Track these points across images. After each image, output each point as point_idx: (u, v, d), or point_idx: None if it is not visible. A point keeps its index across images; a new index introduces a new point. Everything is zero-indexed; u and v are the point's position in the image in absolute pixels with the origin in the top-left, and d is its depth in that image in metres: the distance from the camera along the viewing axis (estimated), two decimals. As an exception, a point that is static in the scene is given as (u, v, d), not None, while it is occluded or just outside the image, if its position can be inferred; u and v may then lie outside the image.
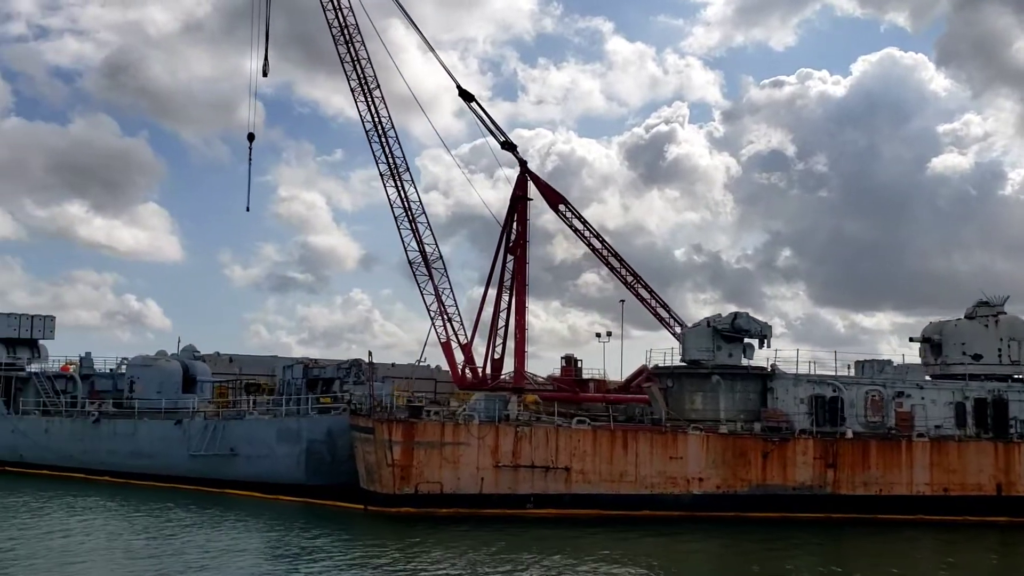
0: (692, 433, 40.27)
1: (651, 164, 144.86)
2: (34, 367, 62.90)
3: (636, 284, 73.17)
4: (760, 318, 46.26)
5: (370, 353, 46.01)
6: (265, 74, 76.81)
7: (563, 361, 78.53)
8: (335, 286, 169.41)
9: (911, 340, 46.81)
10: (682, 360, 46.03)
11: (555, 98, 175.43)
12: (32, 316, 64.15)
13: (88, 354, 60.23)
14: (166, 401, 53.52)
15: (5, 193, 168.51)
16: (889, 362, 46.54)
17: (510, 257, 72.04)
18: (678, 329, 73.07)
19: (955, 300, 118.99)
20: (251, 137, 75.92)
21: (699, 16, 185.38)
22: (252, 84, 73.23)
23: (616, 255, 73.23)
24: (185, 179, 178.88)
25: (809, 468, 40.37)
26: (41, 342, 65.30)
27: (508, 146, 75.60)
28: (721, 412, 42.30)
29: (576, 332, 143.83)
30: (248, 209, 76.22)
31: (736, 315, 44.43)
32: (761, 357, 45.69)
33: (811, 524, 39.56)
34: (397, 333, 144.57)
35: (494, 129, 75.52)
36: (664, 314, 73.05)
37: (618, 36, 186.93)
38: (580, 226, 73.39)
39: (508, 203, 75.17)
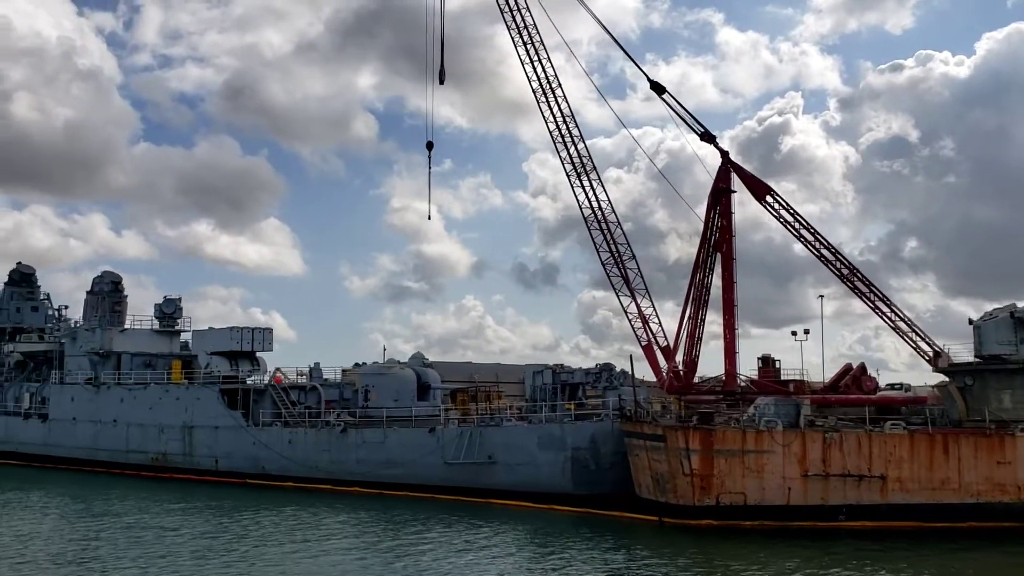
0: (1021, 435, 36.15)
1: (765, 157, 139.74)
2: (256, 378, 63.16)
3: (852, 277, 68.61)
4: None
5: (631, 357, 43.66)
6: (442, 81, 75.76)
7: (759, 362, 74.68)
8: (448, 293, 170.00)
9: None
10: (977, 355, 41.84)
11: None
12: (252, 329, 64.49)
13: (317, 364, 59.91)
14: (403, 409, 52.51)
15: (138, 215, 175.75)
16: None
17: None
18: (902, 324, 68.19)
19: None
20: (430, 146, 74.71)
21: (809, 4, 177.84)
22: (428, 94, 72.05)
23: (830, 247, 68.83)
24: (304, 194, 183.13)
25: None
26: (259, 354, 65.76)
27: (707, 137, 72.21)
28: (1052, 411, 37.96)
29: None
30: (429, 217, 76.36)
31: (1044, 304, 40.00)
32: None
33: None
34: (510, 338, 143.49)
35: (691, 120, 72.59)
36: (884, 308, 68.24)
37: (728, 27, 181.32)
38: (790, 218, 69.40)
39: (709, 197, 72.09)
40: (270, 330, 64.98)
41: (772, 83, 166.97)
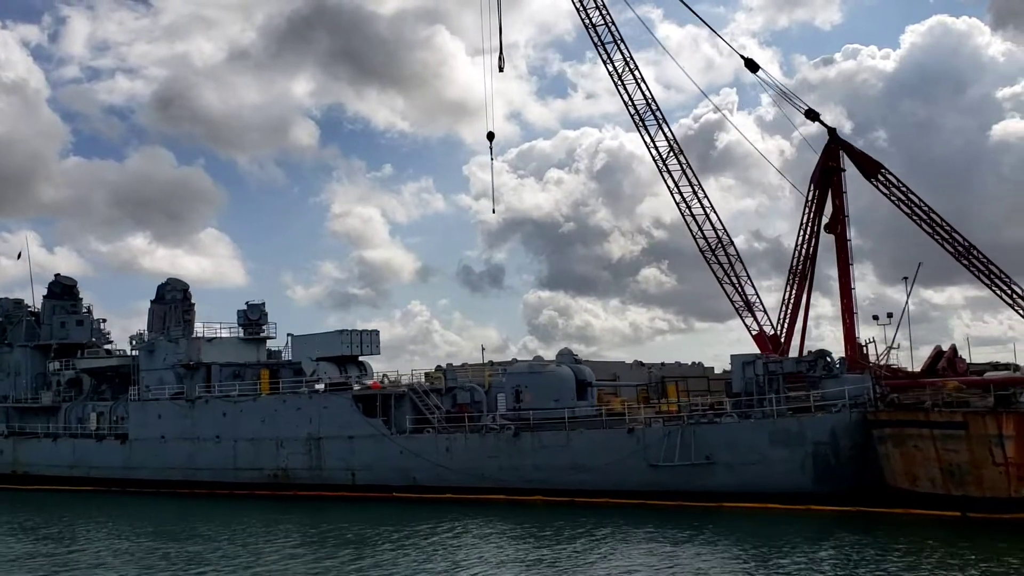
0: None
1: (703, 154, 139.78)
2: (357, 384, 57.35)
3: (968, 255, 65.36)
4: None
5: (872, 342, 39.30)
6: (501, 69, 71.81)
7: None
8: (394, 299, 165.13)
9: None
10: None
11: (608, 91, 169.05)
12: (360, 331, 58.70)
13: (449, 365, 54.32)
14: (558, 409, 47.27)
15: (71, 231, 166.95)
16: None
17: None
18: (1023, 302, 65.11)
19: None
20: (491, 136, 70.92)
21: (740, 2, 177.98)
22: (488, 83, 68.73)
23: (944, 224, 65.38)
24: (243, 204, 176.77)
25: None
26: (362, 358, 59.93)
27: (811, 114, 68.52)
28: None
29: (638, 329, 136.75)
30: (494, 211, 72.42)
31: None
32: None
33: None
34: (458, 342, 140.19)
35: (793, 98, 68.86)
36: (1002, 286, 65.08)
37: (668, 23, 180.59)
38: (901, 195, 65.89)
39: (812, 177, 68.35)
40: (376, 332, 59.26)
41: (714, 76, 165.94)
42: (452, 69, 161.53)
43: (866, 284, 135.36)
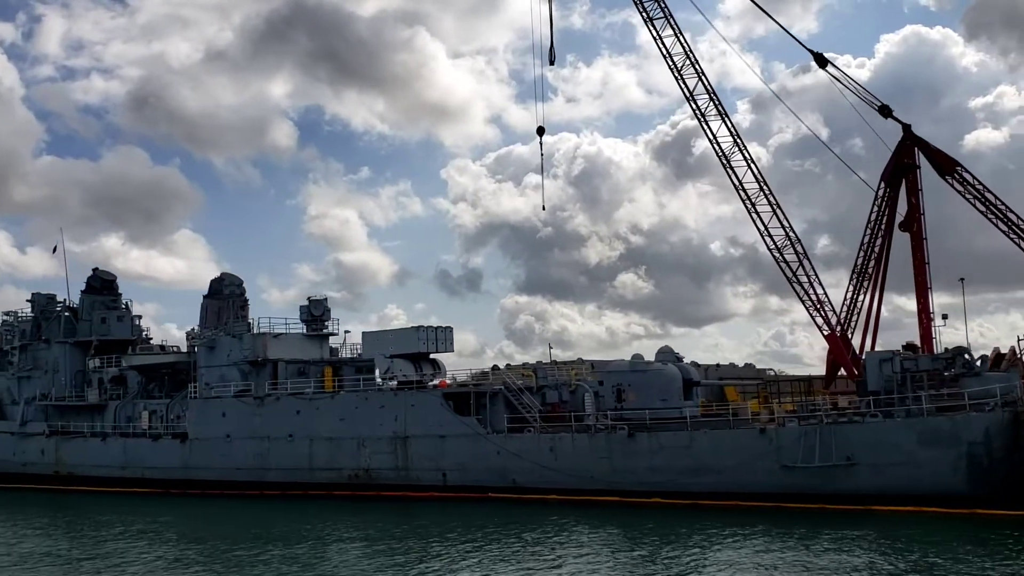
0: None
1: (680, 161, 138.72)
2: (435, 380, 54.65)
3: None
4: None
5: None
6: (552, 61, 69.43)
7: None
8: (371, 303, 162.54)
9: None
10: None
11: (590, 95, 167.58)
12: (435, 328, 55.94)
13: (540, 362, 51.66)
14: (668, 410, 44.82)
15: (44, 231, 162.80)
16: None
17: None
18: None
19: (1000, 277, 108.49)
20: (541, 131, 68.47)
21: (717, 10, 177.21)
22: (539, 76, 66.35)
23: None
24: (219, 205, 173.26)
25: None
26: (433, 356, 57.16)
27: (885, 111, 66.44)
28: None
29: (614, 334, 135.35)
30: (544, 208, 70.28)
31: None
32: None
33: None
34: None
35: (865, 94, 66.81)
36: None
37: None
38: (976, 194, 63.89)
39: (883, 174, 66.33)
40: (450, 328, 56.51)
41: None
42: (432, 71, 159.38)
43: (840, 290, 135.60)
